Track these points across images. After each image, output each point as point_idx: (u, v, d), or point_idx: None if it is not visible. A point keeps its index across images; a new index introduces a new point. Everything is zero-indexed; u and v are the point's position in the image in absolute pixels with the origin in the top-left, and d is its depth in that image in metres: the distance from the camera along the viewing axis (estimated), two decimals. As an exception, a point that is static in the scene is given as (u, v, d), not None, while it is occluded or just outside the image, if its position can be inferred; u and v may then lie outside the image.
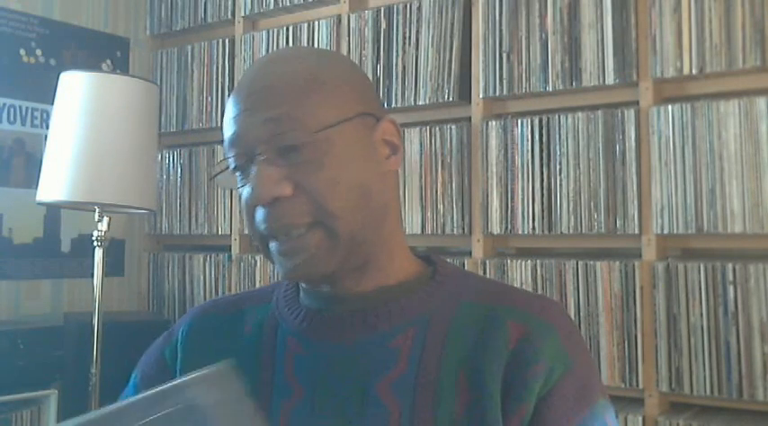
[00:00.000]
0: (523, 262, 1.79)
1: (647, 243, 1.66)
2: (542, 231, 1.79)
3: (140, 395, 0.52)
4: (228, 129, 0.73)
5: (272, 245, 0.72)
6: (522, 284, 1.78)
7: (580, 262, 1.72)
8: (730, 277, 1.54)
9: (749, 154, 1.55)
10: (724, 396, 1.54)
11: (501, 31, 1.88)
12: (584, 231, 1.73)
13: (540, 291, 1.76)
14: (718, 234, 1.58)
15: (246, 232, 2.29)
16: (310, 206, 0.70)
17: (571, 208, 1.75)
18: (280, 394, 0.74)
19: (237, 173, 0.74)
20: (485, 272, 1.84)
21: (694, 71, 1.62)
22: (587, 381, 0.72)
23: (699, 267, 1.58)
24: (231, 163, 0.74)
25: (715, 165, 1.58)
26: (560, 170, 1.77)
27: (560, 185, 1.77)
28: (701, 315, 1.57)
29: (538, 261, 1.77)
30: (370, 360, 0.73)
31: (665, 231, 1.63)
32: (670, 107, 1.64)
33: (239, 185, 0.74)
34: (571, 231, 1.75)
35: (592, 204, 1.73)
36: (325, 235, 0.71)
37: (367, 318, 0.75)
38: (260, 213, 0.71)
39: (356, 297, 0.76)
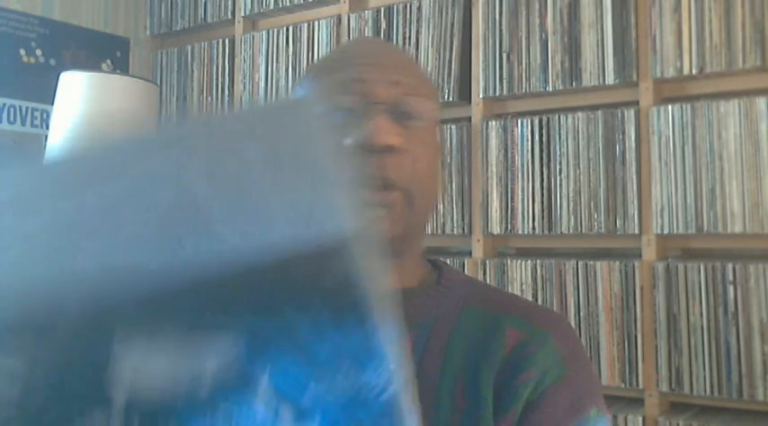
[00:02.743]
0: (523, 262, 1.79)
1: (647, 243, 1.66)
2: (542, 231, 1.79)
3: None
4: (350, 72, 0.74)
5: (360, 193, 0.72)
6: (522, 284, 1.78)
7: (580, 262, 1.72)
8: (730, 277, 1.54)
9: (749, 154, 1.55)
10: (724, 396, 1.54)
11: (501, 31, 1.88)
12: (584, 231, 1.73)
13: (539, 291, 1.76)
14: (718, 234, 1.58)
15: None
16: (410, 171, 0.71)
17: (571, 208, 1.75)
18: None
19: (345, 113, 0.73)
20: (485, 273, 1.84)
21: (694, 71, 1.62)
22: (581, 392, 0.71)
23: (699, 267, 1.58)
24: (342, 102, 0.73)
25: (715, 165, 1.59)
26: (560, 170, 1.77)
27: (560, 185, 1.77)
28: (701, 315, 1.57)
29: (538, 261, 1.77)
30: None
31: (665, 231, 1.63)
32: (670, 107, 1.64)
33: (345, 123, 0.73)
34: (571, 231, 1.75)
35: (592, 204, 1.73)
36: (405, 200, 0.71)
37: None
38: (366, 154, 0.71)
39: None
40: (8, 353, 0.36)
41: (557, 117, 1.78)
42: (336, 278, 0.37)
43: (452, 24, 1.96)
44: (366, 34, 2.10)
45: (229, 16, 2.42)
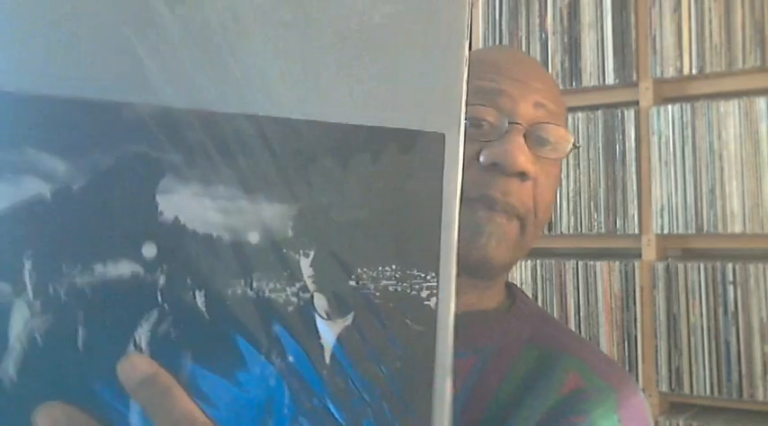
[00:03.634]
0: (523, 262, 1.79)
1: (647, 243, 1.66)
2: (542, 231, 1.78)
3: None
4: (495, 82, 0.68)
5: (478, 213, 0.67)
6: (522, 284, 1.78)
7: (580, 262, 1.72)
8: (730, 277, 1.54)
9: (749, 154, 1.55)
10: (724, 396, 1.54)
11: (501, 30, 1.88)
12: (584, 231, 1.73)
13: (539, 291, 1.76)
14: (719, 234, 1.58)
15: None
16: (532, 200, 0.68)
17: (571, 208, 1.75)
18: None
19: (467, 123, 0.67)
20: (485, 272, 1.84)
21: (694, 71, 1.62)
22: None
23: (699, 267, 1.58)
24: (481, 113, 0.67)
25: (715, 165, 1.59)
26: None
27: (560, 185, 1.77)
28: (701, 314, 1.57)
29: (538, 261, 1.77)
30: None
31: (665, 231, 1.63)
32: (670, 107, 1.64)
33: (474, 136, 0.67)
34: (571, 231, 1.75)
35: (592, 204, 1.73)
36: (520, 229, 0.68)
37: None
38: (493, 174, 0.66)
39: None
40: (47, 147, 0.31)
41: (557, 117, 1.78)
42: (410, 172, 0.34)
43: (452, 24, 1.96)
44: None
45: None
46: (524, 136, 0.67)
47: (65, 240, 0.31)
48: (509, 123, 0.67)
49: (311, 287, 0.33)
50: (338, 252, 0.33)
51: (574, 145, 0.71)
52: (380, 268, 0.33)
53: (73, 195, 0.31)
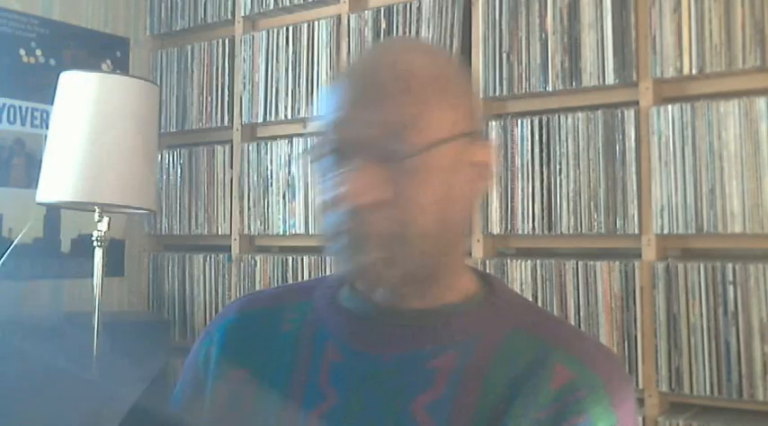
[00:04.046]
0: (523, 262, 1.79)
1: (647, 243, 1.66)
2: (542, 231, 1.79)
3: None
4: (339, 111, 0.69)
5: (340, 242, 0.68)
6: (522, 284, 1.78)
7: (580, 262, 1.72)
8: (730, 277, 1.54)
9: (749, 154, 1.55)
10: (724, 396, 1.54)
11: (501, 30, 1.88)
12: (584, 231, 1.73)
13: (539, 291, 1.76)
14: (718, 234, 1.58)
15: (246, 233, 2.29)
16: (400, 217, 0.66)
17: (571, 208, 1.75)
18: (311, 399, 0.71)
19: (329, 157, 0.69)
20: (485, 272, 1.84)
21: (694, 71, 1.62)
22: None
23: (699, 267, 1.58)
24: (331, 145, 0.68)
25: (715, 165, 1.58)
26: (560, 170, 1.77)
27: (560, 185, 1.77)
28: (701, 315, 1.57)
29: (538, 261, 1.77)
30: (407, 378, 0.69)
31: (665, 231, 1.63)
32: (670, 107, 1.64)
33: (327, 170, 0.69)
34: (571, 231, 1.75)
35: (592, 204, 1.73)
36: (400, 248, 0.67)
37: (411, 334, 0.71)
38: (343, 212, 0.67)
39: (408, 311, 0.72)
40: None
41: (557, 117, 1.78)
42: None
43: (452, 24, 1.96)
44: (366, 34, 2.10)
45: (229, 16, 2.42)
46: (377, 155, 0.66)
47: None
48: (344, 152, 0.67)
49: None
50: None
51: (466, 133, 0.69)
52: None
53: None
